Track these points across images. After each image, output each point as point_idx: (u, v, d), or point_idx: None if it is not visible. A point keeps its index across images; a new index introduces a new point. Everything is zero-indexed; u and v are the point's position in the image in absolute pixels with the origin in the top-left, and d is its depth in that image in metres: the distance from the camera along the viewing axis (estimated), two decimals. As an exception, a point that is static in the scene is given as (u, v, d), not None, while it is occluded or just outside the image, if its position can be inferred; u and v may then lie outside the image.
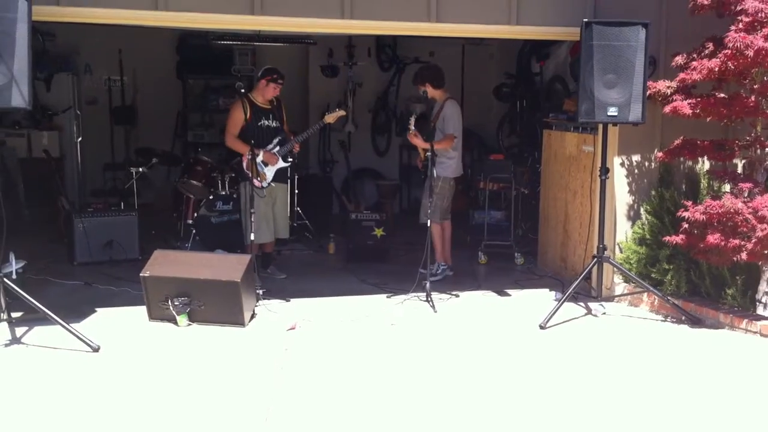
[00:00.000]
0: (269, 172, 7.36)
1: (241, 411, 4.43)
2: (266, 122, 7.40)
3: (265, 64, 7.66)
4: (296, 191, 9.21)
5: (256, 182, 7.09)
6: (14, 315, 5.73)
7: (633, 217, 7.09)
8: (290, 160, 7.52)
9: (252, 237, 6.86)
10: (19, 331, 5.61)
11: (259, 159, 7.21)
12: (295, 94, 11.09)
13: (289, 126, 7.73)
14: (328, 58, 11.29)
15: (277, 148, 7.38)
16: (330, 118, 7.61)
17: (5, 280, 5.53)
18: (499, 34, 7.30)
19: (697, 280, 6.52)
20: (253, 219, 6.82)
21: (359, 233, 8.45)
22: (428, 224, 7.03)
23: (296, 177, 9.16)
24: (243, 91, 6.94)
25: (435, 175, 7.27)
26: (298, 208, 9.32)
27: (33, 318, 5.65)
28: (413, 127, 7.36)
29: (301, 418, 4.38)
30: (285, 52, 11.02)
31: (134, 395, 4.66)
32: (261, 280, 7.03)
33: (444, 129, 7.53)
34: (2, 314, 5.62)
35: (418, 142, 7.48)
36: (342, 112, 7.72)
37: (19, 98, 5.15)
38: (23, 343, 5.44)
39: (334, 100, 11.24)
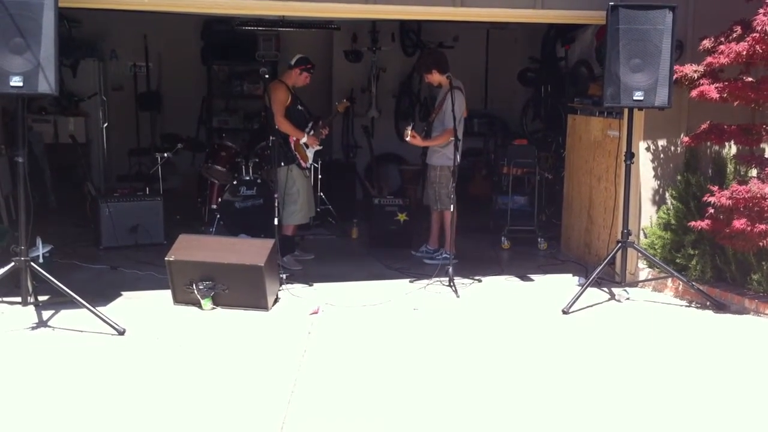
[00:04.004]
0: (310, 153, 7.58)
1: (264, 394, 4.46)
2: (299, 106, 7.58)
3: (288, 50, 7.72)
4: (320, 176, 9.24)
5: (302, 164, 7.47)
6: (41, 298, 5.79)
7: (658, 202, 7.04)
8: (320, 145, 7.77)
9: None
10: (46, 314, 5.68)
11: (303, 141, 7.43)
12: (318, 79, 11.03)
13: (311, 111, 7.88)
14: (351, 44, 11.27)
15: (312, 131, 7.54)
16: (340, 107, 7.93)
17: (32, 263, 5.58)
18: (524, 18, 7.25)
19: (722, 266, 6.47)
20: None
21: (382, 218, 8.44)
22: (451, 209, 7.20)
23: (320, 162, 9.20)
24: (267, 76, 6.94)
25: (432, 164, 7.67)
26: (322, 194, 9.34)
27: (59, 301, 5.72)
28: (409, 131, 7.51)
29: (324, 401, 4.41)
30: (309, 38, 11.02)
31: (159, 378, 4.70)
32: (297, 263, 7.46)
33: (445, 121, 7.40)
34: (29, 298, 5.67)
35: (417, 142, 7.65)
36: (347, 103, 8.11)
37: (46, 84, 5.19)
38: (50, 326, 5.51)
39: (358, 85, 11.25)
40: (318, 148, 7.66)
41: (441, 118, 7.52)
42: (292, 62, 7.52)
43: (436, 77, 7.55)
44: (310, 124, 7.57)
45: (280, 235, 6.84)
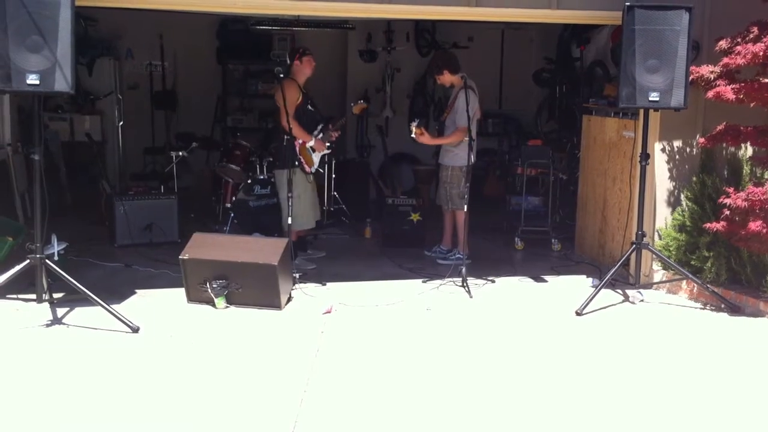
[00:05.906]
0: (317, 158, 7.44)
1: (276, 393, 4.47)
2: (310, 107, 7.45)
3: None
4: (333, 176, 9.25)
5: (306, 168, 7.29)
6: (56, 296, 5.83)
7: (673, 203, 7.00)
8: (330, 148, 7.64)
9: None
10: (61, 311, 5.71)
11: (310, 144, 7.31)
12: (333, 79, 11.12)
13: (322, 113, 7.79)
14: (366, 43, 11.28)
15: (321, 134, 7.43)
16: (356, 108, 7.79)
17: (47, 261, 5.61)
18: (539, 18, 7.25)
19: (737, 268, 6.43)
20: (293, 204, 6.95)
21: (395, 218, 8.44)
22: (465, 209, 7.11)
23: (333, 162, 9.20)
24: (282, 76, 6.95)
25: (444, 164, 7.63)
26: (335, 193, 9.36)
27: (74, 299, 5.75)
28: (415, 128, 7.42)
29: (336, 401, 4.41)
30: (324, 37, 11.04)
31: (172, 375, 4.72)
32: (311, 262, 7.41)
33: (457, 120, 7.38)
34: (44, 295, 5.71)
35: (426, 139, 7.60)
36: (365, 105, 7.88)
37: (63, 83, 5.22)
38: (64, 324, 5.54)
39: (373, 85, 11.26)
40: (326, 152, 7.52)
41: (453, 117, 7.51)
42: (289, 61, 7.45)
43: (447, 78, 7.55)
44: (319, 127, 7.43)
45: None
